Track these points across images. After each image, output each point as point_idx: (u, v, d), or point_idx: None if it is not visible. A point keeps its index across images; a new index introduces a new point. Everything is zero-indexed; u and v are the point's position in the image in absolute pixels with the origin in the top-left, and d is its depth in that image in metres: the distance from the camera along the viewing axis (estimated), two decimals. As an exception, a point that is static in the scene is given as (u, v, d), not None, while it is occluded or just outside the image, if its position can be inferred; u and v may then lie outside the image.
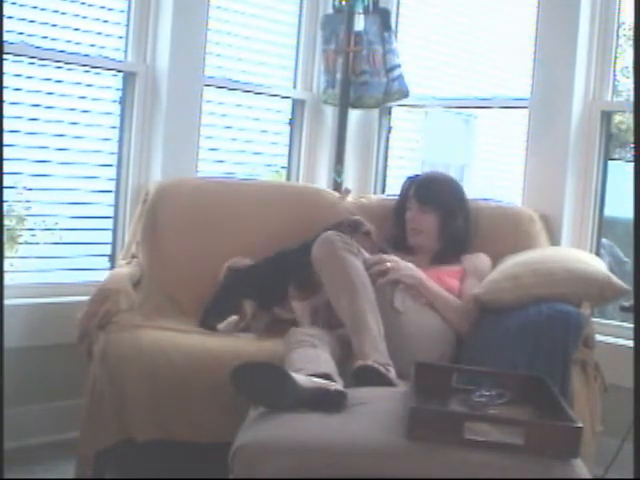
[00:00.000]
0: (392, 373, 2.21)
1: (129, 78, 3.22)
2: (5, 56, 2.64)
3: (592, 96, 3.12)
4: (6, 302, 2.26)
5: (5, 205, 2.87)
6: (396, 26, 3.71)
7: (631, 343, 2.20)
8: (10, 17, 2.86)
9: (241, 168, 3.69)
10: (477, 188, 4.73)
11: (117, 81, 3.22)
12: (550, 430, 1.76)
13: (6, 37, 2.70)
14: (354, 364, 2.22)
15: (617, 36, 3.10)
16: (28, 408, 2.89)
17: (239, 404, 2.00)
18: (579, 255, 2.73)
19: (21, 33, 2.91)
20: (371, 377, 2.16)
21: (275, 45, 3.70)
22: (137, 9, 3.18)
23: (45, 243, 3.14)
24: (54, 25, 3.01)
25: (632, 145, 2.63)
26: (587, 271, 2.48)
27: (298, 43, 3.74)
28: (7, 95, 2.78)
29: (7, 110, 2.69)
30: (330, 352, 2.28)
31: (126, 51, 3.21)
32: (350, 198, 3.23)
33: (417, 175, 3.00)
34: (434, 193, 2.83)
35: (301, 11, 3.72)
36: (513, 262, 2.62)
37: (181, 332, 2.60)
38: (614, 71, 3.12)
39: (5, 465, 2.26)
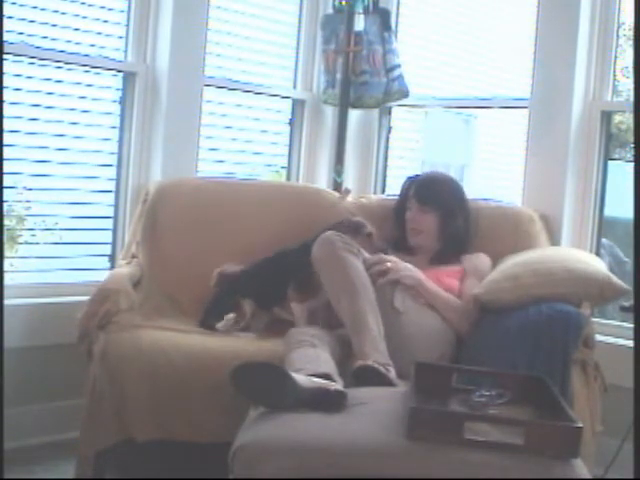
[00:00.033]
0: (392, 373, 2.21)
1: (129, 78, 3.22)
2: (5, 56, 2.64)
3: (592, 96, 3.12)
4: (6, 302, 2.26)
5: (5, 205, 2.87)
6: (396, 26, 3.71)
7: (631, 343, 2.20)
8: (10, 17, 2.87)
9: (241, 168, 3.69)
10: (477, 188, 4.73)
11: (117, 81, 3.22)
12: (550, 430, 1.76)
13: (6, 37, 2.70)
14: (354, 364, 2.22)
15: (617, 36, 3.10)
16: (28, 408, 2.89)
17: (239, 404, 2.00)
18: (579, 255, 2.73)
19: (21, 33, 2.92)
20: (371, 377, 2.16)
21: (275, 45, 3.70)
22: (137, 9, 3.18)
23: (45, 243, 3.14)
24: (54, 25, 3.01)
25: (632, 145, 2.63)
26: (587, 271, 2.48)
27: (298, 43, 3.74)
28: (7, 95, 2.78)
29: (7, 110, 2.69)
30: (330, 352, 2.28)
31: (126, 51, 3.21)
32: (350, 198, 3.23)
33: (417, 175, 3.00)
34: (434, 193, 2.83)
35: (301, 11, 3.72)
36: (513, 262, 2.62)
37: (181, 332, 2.60)
38: (614, 71, 3.12)
39: (5, 465, 2.26)
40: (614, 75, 3.13)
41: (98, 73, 3.16)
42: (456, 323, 2.55)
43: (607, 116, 3.14)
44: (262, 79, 3.62)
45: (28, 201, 3.07)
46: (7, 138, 2.51)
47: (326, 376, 2.05)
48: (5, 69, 2.56)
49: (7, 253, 2.97)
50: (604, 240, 3.34)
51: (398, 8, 3.76)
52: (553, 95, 3.11)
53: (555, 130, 3.11)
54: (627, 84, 3.37)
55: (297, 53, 3.75)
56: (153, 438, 2.37)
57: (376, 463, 1.76)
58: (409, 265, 2.62)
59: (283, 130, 3.79)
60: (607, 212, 3.18)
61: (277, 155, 3.81)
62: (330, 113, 3.72)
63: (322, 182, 3.73)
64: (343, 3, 3.52)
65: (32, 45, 2.94)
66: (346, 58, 3.50)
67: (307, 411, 1.90)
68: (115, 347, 2.46)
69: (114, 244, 3.26)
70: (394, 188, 3.36)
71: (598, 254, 3.13)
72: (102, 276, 2.85)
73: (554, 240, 3.02)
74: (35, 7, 2.95)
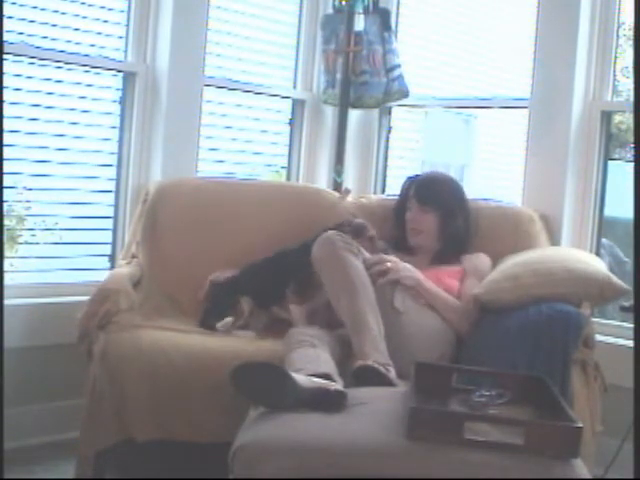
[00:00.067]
0: (392, 373, 2.21)
1: (129, 78, 3.22)
2: (5, 56, 2.64)
3: (592, 96, 3.12)
4: (6, 302, 2.26)
5: (5, 205, 2.87)
6: (396, 26, 3.71)
7: (631, 343, 2.20)
8: (10, 17, 2.86)
9: (241, 168, 3.69)
10: (477, 188, 4.73)
11: (117, 81, 3.22)
12: (550, 430, 1.76)
13: (6, 37, 2.70)
14: (354, 364, 2.22)
15: (617, 36, 3.10)
16: (28, 408, 2.89)
17: (239, 404, 2.00)
18: (579, 255, 2.73)
19: (21, 33, 2.91)
20: (371, 377, 2.16)
21: (275, 45, 3.70)
22: (137, 9, 3.18)
23: (45, 243, 3.14)
24: (54, 25, 3.01)
25: (632, 145, 2.64)
26: (587, 271, 2.48)
27: (298, 43, 3.74)
28: (7, 95, 2.77)
29: (7, 110, 2.69)
30: (330, 352, 2.28)
31: (126, 51, 3.21)
32: (350, 198, 3.23)
33: (417, 175, 3.00)
34: (434, 193, 2.83)
35: (301, 11, 3.72)
36: (513, 262, 2.62)
37: (181, 332, 2.60)
38: (614, 71, 3.12)
39: (5, 465, 2.26)
40: (614, 75, 3.13)
41: (98, 73, 3.16)
42: (456, 323, 2.55)
43: (607, 116, 3.14)
44: (262, 79, 3.62)
45: (28, 201, 3.07)
46: (7, 138, 2.51)
47: (326, 376, 2.05)
48: (5, 69, 2.56)
49: (7, 253, 2.97)
50: (604, 240, 3.34)
51: (398, 8, 3.76)
52: (553, 95, 3.11)
53: (555, 130, 3.11)
54: (627, 84, 3.38)
55: (297, 53, 3.75)
56: (153, 438, 2.36)
57: (376, 463, 1.76)
58: (409, 265, 2.62)
59: (283, 130, 3.79)
60: (607, 212, 3.18)
61: (277, 155, 3.81)
62: (330, 113, 3.72)
63: (322, 182, 3.73)
64: (343, 2, 3.52)
65: (32, 45, 2.94)
66: (346, 58, 3.50)
67: (307, 411, 1.90)
68: (115, 347, 2.46)
69: (114, 244, 3.26)
70: (394, 188, 3.36)
71: (598, 254, 3.13)
72: (102, 276, 2.85)
73: (554, 240, 3.02)
74: (35, 7, 2.95)
